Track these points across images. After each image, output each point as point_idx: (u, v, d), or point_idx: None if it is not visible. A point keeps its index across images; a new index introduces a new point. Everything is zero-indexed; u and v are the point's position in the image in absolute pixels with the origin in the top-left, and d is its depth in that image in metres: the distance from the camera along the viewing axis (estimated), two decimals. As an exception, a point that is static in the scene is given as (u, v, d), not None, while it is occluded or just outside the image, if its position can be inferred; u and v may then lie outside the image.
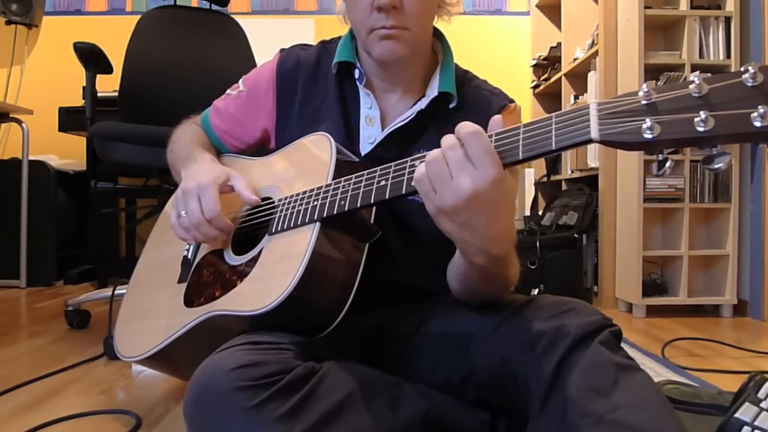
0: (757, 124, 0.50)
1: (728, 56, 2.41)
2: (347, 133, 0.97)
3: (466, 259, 0.74)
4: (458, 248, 0.73)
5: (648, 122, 0.54)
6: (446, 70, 0.98)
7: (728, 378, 1.49)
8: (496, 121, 0.68)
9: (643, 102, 0.56)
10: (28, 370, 1.53)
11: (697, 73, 2.32)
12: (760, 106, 0.50)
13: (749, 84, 0.51)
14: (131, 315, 1.08)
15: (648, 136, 0.54)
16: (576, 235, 2.56)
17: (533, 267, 2.38)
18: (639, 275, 2.39)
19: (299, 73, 1.01)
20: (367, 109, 0.97)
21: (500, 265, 0.75)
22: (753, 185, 2.38)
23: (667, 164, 0.57)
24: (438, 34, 1.01)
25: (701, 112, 0.52)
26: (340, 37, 1.03)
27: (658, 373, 1.52)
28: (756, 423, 0.88)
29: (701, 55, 2.43)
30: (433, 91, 0.95)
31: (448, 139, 0.66)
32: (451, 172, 0.64)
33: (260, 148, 1.08)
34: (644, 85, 0.56)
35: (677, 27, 2.48)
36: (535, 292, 2.36)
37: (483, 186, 0.63)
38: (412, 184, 0.68)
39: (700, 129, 0.52)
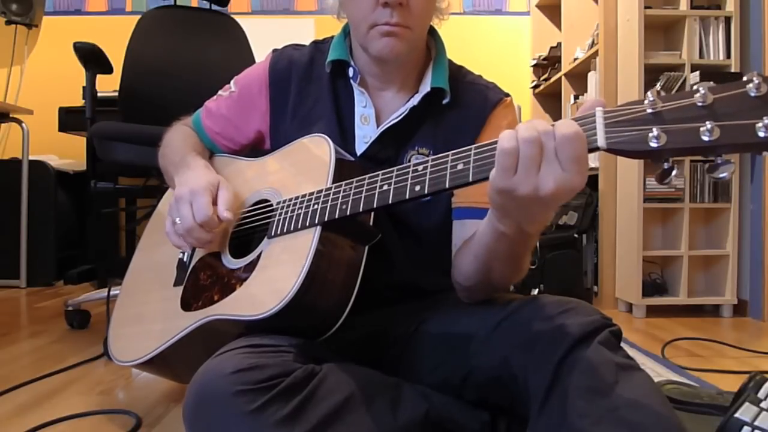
0: (762, 134, 0.51)
1: (728, 56, 2.40)
2: (342, 133, 0.96)
3: (496, 228, 0.71)
4: (494, 216, 0.71)
5: (654, 131, 0.55)
6: (439, 65, 0.97)
7: (728, 378, 1.49)
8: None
9: (649, 111, 0.56)
10: (28, 370, 1.53)
11: (698, 73, 2.32)
12: (764, 117, 0.51)
13: (753, 94, 0.52)
14: (125, 318, 1.07)
15: (654, 144, 0.55)
16: (576, 235, 2.56)
17: (533, 267, 2.38)
18: (639, 275, 2.39)
19: (292, 73, 1.01)
20: (362, 107, 0.97)
21: (524, 244, 0.74)
22: (753, 185, 2.38)
23: (673, 173, 0.57)
24: (431, 31, 1.00)
25: (707, 122, 0.53)
26: (332, 37, 1.02)
27: (658, 373, 1.52)
28: (756, 423, 0.88)
29: (701, 55, 2.42)
30: (425, 87, 0.95)
31: (542, 123, 0.61)
32: (541, 162, 0.60)
33: (255, 148, 1.08)
34: (649, 93, 0.57)
35: (677, 27, 2.48)
36: (535, 292, 2.36)
37: (563, 191, 0.60)
38: (497, 150, 0.62)
39: (706, 138, 0.53)
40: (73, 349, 1.74)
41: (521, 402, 0.74)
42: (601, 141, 0.58)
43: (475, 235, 0.80)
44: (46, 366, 1.53)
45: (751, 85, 0.52)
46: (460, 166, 0.67)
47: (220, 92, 1.09)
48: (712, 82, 0.56)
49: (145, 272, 1.10)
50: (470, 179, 0.66)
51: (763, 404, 0.91)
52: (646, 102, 0.57)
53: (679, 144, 0.54)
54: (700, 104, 0.54)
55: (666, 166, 0.57)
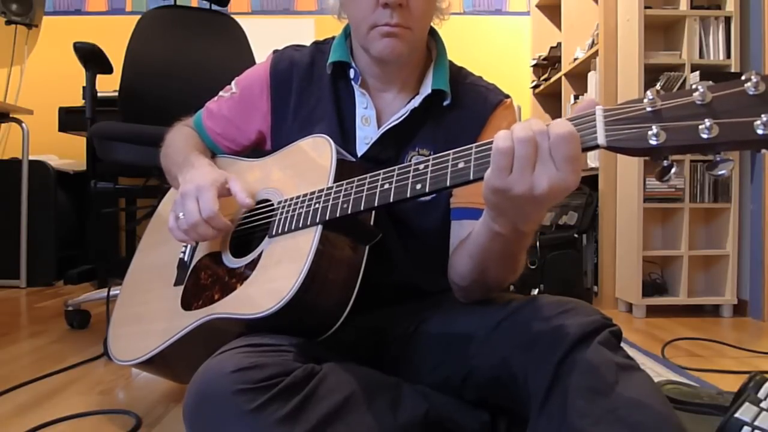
0: (760, 131, 0.51)
1: (728, 56, 2.40)
2: (342, 134, 0.96)
3: (491, 228, 0.72)
4: (488, 216, 0.71)
5: (654, 129, 0.55)
6: (440, 67, 0.97)
7: (728, 378, 1.49)
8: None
9: (648, 109, 0.57)
10: (28, 370, 1.53)
11: (698, 73, 2.32)
12: (762, 115, 0.51)
13: (751, 93, 0.53)
14: (125, 318, 1.07)
15: (654, 142, 0.55)
16: (576, 235, 2.56)
17: (533, 267, 2.38)
18: (639, 275, 2.39)
19: (293, 74, 1.01)
20: (363, 109, 0.97)
21: (519, 243, 0.74)
22: (753, 185, 2.38)
23: (673, 170, 0.57)
24: (432, 32, 1.01)
25: (706, 120, 0.53)
26: (333, 38, 1.02)
27: (658, 373, 1.52)
28: (756, 423, 0.88)
29: (701, 55, 2.42)
30: (426, 89, 0.95)
31: (537, 123, 0.62)
32: (536, 162, 0.60)
33: (256, 149, 1.08)
34: (648, 92, 0.57)
35: (677, 27, 2.48)
36: (535, 292, 2.36)
37: (557, 190, 0.61)
38: (492, 149, 0.62)
39: (705, 136, 0.53)
40: (73, 349, 1.74)
41: (521, 402, 0.74)
42: (601, 139, 0.58)
43: (470, 235, 0.80)
44: (46, 366, 1.53)
45: (749, 83, 0.53)
46: (461, 165, 0.67)
47: (221, 93, 1.09)
48: (711, 81, 0.56)
49: (146, 272, 1.10)
50: (471, 177, 0.66)
51: (763, 404, 0.91)
52: (645, 100, 0.57)
53: (678, 141, 0.55)
54: (699, 102, 0.55)
55: (665, 163, 0.58)
